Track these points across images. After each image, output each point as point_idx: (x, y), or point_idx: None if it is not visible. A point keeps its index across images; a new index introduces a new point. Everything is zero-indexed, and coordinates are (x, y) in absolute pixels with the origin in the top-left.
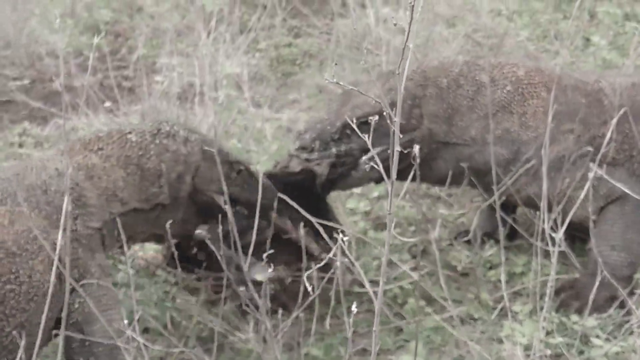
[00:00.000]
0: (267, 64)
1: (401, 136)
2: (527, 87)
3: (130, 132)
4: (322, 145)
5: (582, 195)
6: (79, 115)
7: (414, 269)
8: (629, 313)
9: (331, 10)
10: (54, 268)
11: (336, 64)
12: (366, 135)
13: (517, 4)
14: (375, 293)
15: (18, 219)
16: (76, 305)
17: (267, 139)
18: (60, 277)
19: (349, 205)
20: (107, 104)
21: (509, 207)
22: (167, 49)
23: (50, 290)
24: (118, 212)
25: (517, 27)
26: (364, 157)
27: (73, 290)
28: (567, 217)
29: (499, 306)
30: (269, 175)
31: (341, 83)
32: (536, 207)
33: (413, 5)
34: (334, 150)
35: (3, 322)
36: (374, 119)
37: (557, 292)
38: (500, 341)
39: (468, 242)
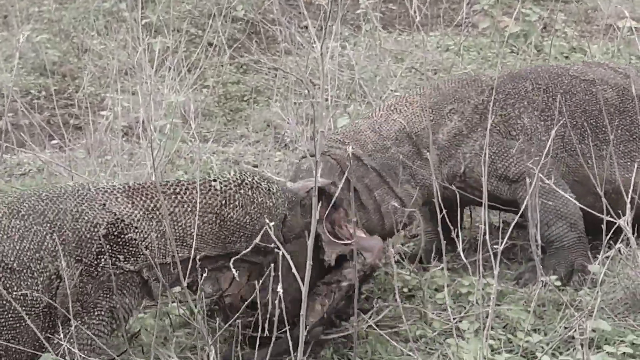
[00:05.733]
0: (215, 100)
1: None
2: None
3: (214, 180)
4: None
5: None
6: (25, 151)
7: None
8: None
9: (279, 47)
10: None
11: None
12: None
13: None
14: None
15: (28, 236)
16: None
17: (214, 172)
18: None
19: None
20: (55, 141)
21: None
22: (113, 87)
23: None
24: (183, 257)
25: (464, 62)
26: None
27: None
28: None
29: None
30: None
31: None
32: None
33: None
34: None
35: None
36: None
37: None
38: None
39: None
